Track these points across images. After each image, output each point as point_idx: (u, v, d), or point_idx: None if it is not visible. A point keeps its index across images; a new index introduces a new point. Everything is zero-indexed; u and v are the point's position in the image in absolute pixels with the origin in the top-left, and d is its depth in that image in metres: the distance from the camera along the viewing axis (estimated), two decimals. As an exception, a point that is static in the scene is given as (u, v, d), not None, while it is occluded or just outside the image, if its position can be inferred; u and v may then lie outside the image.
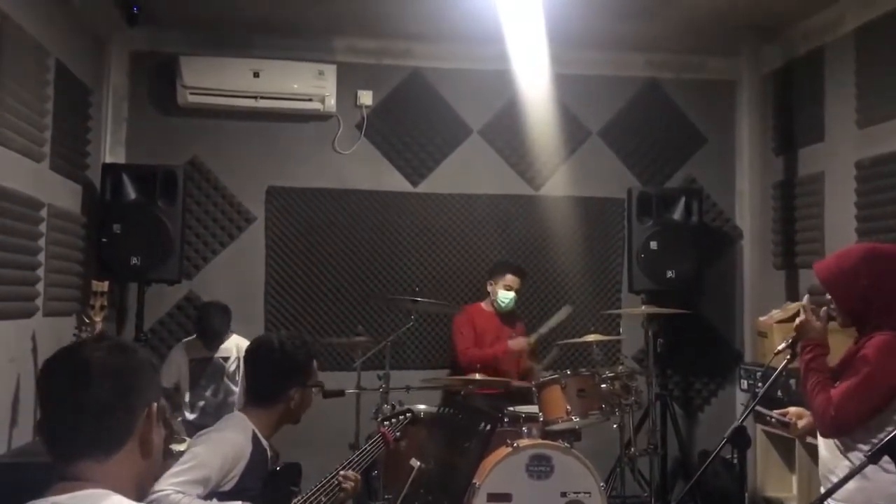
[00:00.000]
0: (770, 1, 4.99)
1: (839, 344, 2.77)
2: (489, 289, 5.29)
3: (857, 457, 2.51)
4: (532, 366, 5.18)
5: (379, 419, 3.28)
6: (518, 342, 5.08)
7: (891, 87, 4.57)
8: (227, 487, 2.46)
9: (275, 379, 2.68)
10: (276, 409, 2.66)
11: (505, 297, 5.21)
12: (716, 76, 6.11)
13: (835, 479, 2.52)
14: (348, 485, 2.76)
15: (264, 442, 2.62)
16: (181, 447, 3.57)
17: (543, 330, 5.11)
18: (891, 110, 4.56)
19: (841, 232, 4.91)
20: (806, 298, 2.89)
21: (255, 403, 2.69)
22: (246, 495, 2.49)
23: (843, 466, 2.55)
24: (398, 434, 3.27)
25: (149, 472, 1.51)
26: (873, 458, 2.00)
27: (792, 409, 2.93)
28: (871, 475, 2.36)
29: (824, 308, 2.74)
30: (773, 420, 2.93)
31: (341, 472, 2.77)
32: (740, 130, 6.04)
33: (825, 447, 2.67)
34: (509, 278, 5.25)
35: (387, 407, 3.65)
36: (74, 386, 1.41)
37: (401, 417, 3.32)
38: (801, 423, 2.88)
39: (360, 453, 2.98)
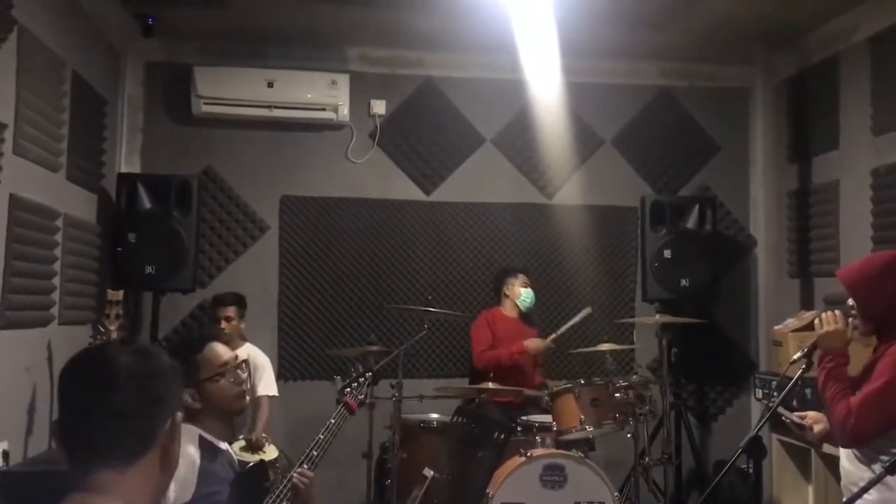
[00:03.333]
0: (783, 9, 4.97)
1: (856, 353, 2.75)
2: (507, 292, 5.28)
3: (880, 468, 2.49)
4: (546, 382, 5.16)
5: (339, 388, 3.09)
6: (535, 342, 5.05)
7: (906, 95, 4.55)
8: (186, 499, 2.35)
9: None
10: (193, 414, 2.52)
11: (528, 294, 5.24)
12: (729, 84, 6.10)
13: (851, 490, 2.51)
14: (304, 483, 2.58)
15: (215, 442, 2.53)
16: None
17: (562, 330, 5.09)
18: (906, 118, 4.54)
19: (856, 240, 4.88)
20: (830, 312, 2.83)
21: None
22: (213, 499, 2.40)
23: (866, 478, 2.52)
24: (362, 397, 3.05)
25: (166, 485, 1.46)
26: (892, 469, 1.99)
27: (811, 414, 2.92)
28: (894, 484, 2.34)
29: (851, 319, 2.72)
30: (789, 422, 2.92)
31: (296, 472, 2.61)
32: (754, 138, 6.03)
33: (847, 459, 2.65)
34: (522, 277, 5.29)
35: (338, 378, 3.37)
36: (97, 390, 1.36)
37: (360, 380, 3.08)
38: (817, 428, 2.86)
39: (327, 429, 2.79)
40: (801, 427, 2.90)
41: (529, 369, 5.13)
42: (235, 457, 2.71)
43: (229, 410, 2.61)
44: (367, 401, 3.08)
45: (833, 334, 2.69)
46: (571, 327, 5.07)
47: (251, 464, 2.69)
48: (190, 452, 2.44)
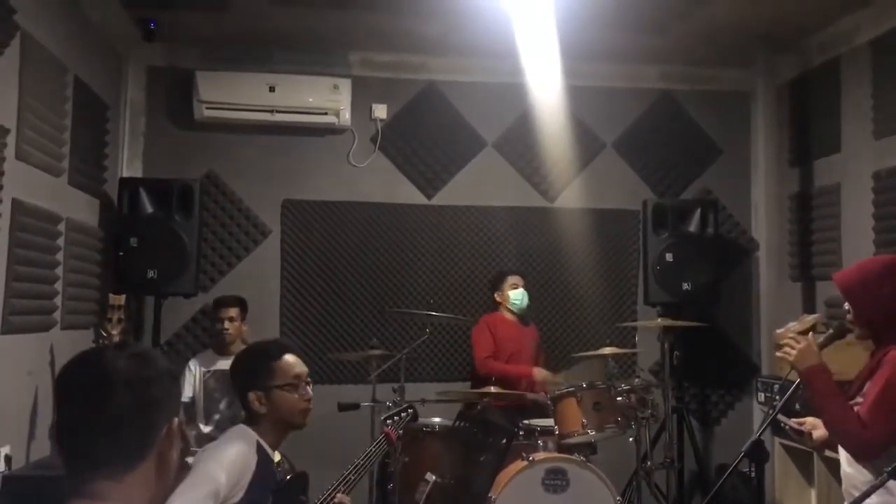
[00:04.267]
0: (784, 12, 4.98)
1: (851, 357, 2.74)
2: (499, 299, 5.29)
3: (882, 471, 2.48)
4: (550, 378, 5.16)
5: (382, 418, 3.28)
6: (543, 374, 5.06)
7: (907, 98, 4.55)
8: (235, 500, 2.43)
9: (236, 389, 2.68)
10: (254, 418, 2.62)
11: (517, 296, 5.22)
12: (730, 87, 6.10)
13: (852, 494, 2.50)
14: None
15: (269, 451, 2.61)
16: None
17: (573, 368, 5.10)
18: (908, 121, 4.54)
19: (858, 243, 4.88)
20: (788, 329, 2.82)
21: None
22: None
23: (866, 481, 2.52)
24: (401, 432, 3.26)
25: (165, 491, 1.43)
26: (894, 473, 1.99)
27: (809, 420, 2.91)
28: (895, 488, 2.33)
29: (812, 333, 2.71)
30: (788, 428, 2.91)
31: (337, 496, 2.75)
32: (755, 142, 6.03)
33: (848, 463, 2.64)
34: (511, 279, 5.28)
35: (388, 405, 3.68)
36: (93, 396, 1.34)
37: (403, 415, 3.32)
38: (816, 434, 2.85)
39: (366, 455, 2.96)
40: (800, 433, 2.88)
41: (530, 387, 5.11)
42: None
43: (290, 422, 2.67)
44: (405, 436, 3.30)
45: (804, 354, 2.64)
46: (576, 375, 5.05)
47: (290, 475, 2.75)
48: (248, 455, 2.51)
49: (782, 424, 2.89)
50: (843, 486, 2.69)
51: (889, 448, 2.46)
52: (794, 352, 2.65)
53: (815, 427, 2.84)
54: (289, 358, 2.70)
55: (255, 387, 2.61)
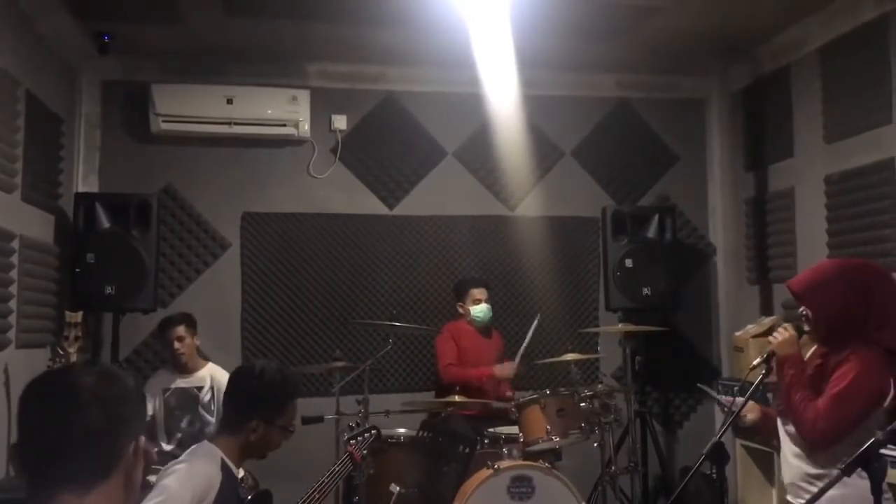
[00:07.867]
0: (737, 20, 5.07)
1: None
2: (461, 311, 5.29)
3: (817, 462, 2.60)
4: (514, 394, 5.14)
5: (345, 438, 3.29)
6: (504, 369, 5.03)
7: (855, 103, 4.66)
8: None
9: (240, 405, 2.60)
10: (238, 438, 2.57)
11: (479, 311, 5.21)
12: (686, 95, 6.19)
13: (798, 485, 2.58)
14: None
15: (234, 469, 2.57)
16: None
17: (522, 349, 5.08)
18: (856, 126, 4.65)
19: (813, 246, 4.98)
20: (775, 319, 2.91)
21: (223, 429, 2.63)
22: None
23: (803, 473, 2.62)
24: (365, 451, 3.27)
25: None
26: (847, 471, 2.03)
27: (740, 401, 2.97)
28: (850, 481, 2.39)
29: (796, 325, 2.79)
30: (718, 404, 2.99)
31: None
32: (711, 148, 6.13)
33: (792, 454, 2.72)
34: (475, 292, 5.26)
35: (351, 425, 3.70)
36: (60, 410, 1.35)
37: (366, 435, 3.34)
38: (750, 416, 2.92)
39: (330, 474, 2.97)
40: (728, 410, 2.95)
41: (495, 387, 5.11)
42: None
43: (262, 454, 2.65)
44: (369, 455, 3.37)
45: (787, 342, 2.74)
46: (531, 341, 5.05)
47: (253, 494, 2.74)
48: (213, 472, 2.47)
49: (718, 404, 2.97)
50: (787, 479, 2.76)
51: (842, 444, 2.51)
52: (780, 338, 2.76)
53: (750, 410, 2.91)
54: (298, 401, 2.68)
55: (262, 416, 2.55)
